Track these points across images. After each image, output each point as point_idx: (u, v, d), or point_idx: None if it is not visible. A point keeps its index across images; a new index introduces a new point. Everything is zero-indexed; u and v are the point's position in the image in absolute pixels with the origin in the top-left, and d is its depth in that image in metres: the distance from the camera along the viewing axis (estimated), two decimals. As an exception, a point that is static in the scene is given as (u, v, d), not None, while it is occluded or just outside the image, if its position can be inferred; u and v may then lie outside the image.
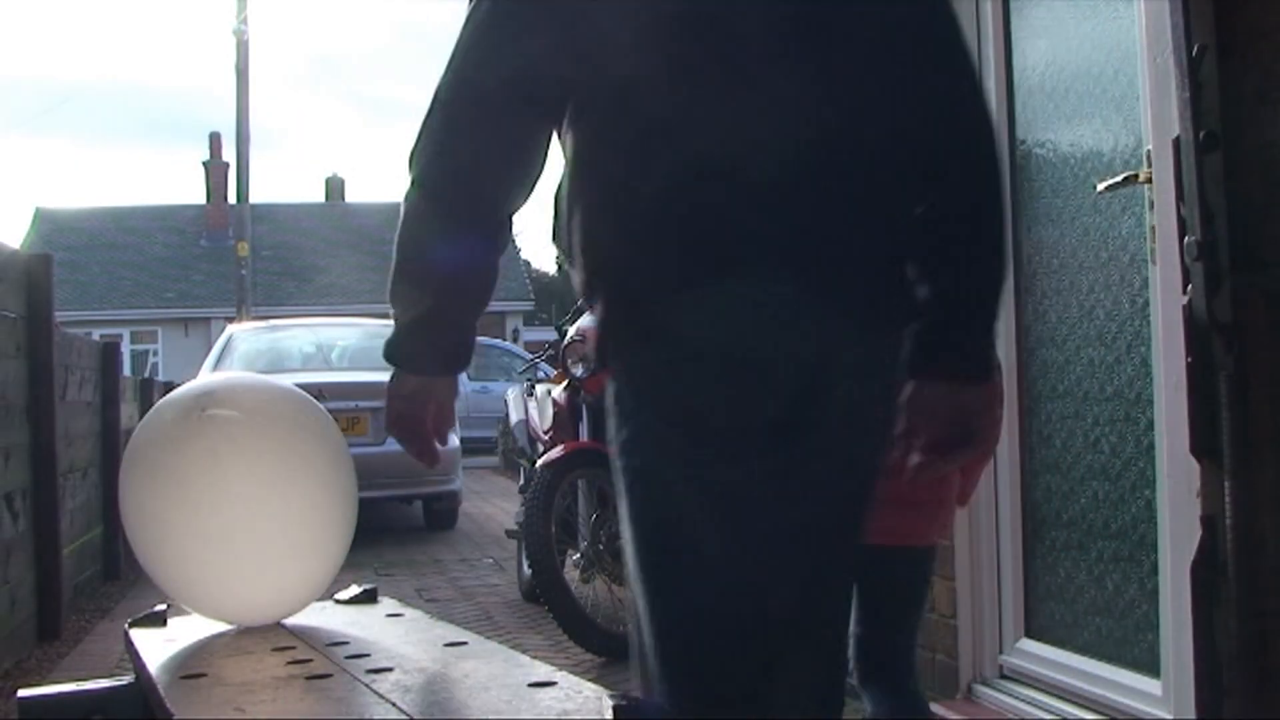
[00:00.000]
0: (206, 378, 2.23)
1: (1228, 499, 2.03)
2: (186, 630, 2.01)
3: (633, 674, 1.46)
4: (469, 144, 1.84)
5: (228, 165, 26.64)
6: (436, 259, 1.91)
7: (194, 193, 49.23)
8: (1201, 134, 2.02)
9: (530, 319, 31.22)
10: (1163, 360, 2.48)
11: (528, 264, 35.73)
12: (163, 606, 2.12)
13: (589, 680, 1.52)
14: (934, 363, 1.62)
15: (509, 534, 6.34)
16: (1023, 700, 3.04)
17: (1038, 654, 3.06)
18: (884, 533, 2.22)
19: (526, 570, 5.42)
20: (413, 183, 1.89)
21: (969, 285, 1.66)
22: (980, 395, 1.66)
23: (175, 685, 1.62)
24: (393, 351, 1.81)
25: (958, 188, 1.68)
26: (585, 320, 5.12)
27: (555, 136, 1.81)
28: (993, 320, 1.66)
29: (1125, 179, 2.59)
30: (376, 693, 1.49)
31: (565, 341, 5.14)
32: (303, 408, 2.05)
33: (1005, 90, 3.19)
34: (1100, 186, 2.66)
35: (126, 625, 2.07)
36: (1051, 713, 2.92)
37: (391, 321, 1.80)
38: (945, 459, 1.64)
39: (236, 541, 1.89)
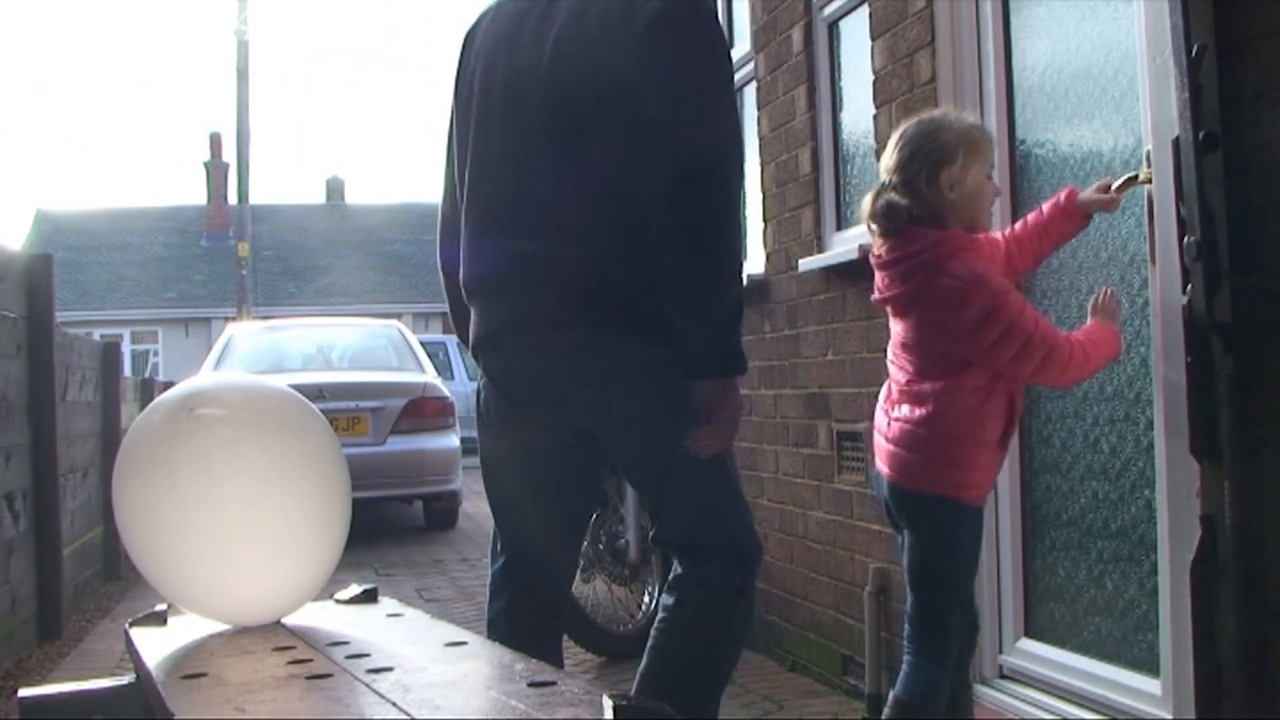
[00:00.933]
0: (195, 378, 2.22)
1: (1227, 499, 2.03)
2: (187, 630, 2.01)
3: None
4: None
5: (228, 165, 26.66)
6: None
7: (194, 193, 49.26)
8: (1201, 134, 2.02)
9: (530, 319, 31.16)
10: (1163, 360, 2.48)
11: (528, 264, 35.68)
12: (163, 606, 2.12)
13: (589, 680, 1.52)
14: (686, 371, 2.23)
15: (509, 534, 6.33)
16: (1022, 700, 3.04)
17: (1037, 654, 3.06)
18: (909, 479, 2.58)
19: (527, 570, 5.40)
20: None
21: (688, 320, 2.20)
22: (715, 386, 2.23)
23: (176, 685, 1.62)
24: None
25: (670, 247, 2.17)
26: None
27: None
28: (718, 338, 2.20)
29: (1127, 180, 2.58)
30: (377, 692, 1.49)
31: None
32: (293, 405, 2.05)
33: (1005, 90, 3.19)
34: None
35: (127, 625, 2.07)
36: (1051, 713, 2.92)
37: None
38: (710, 436, 2.25)
39: (228, 540, 1.89)
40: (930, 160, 2.53)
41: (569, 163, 2.23)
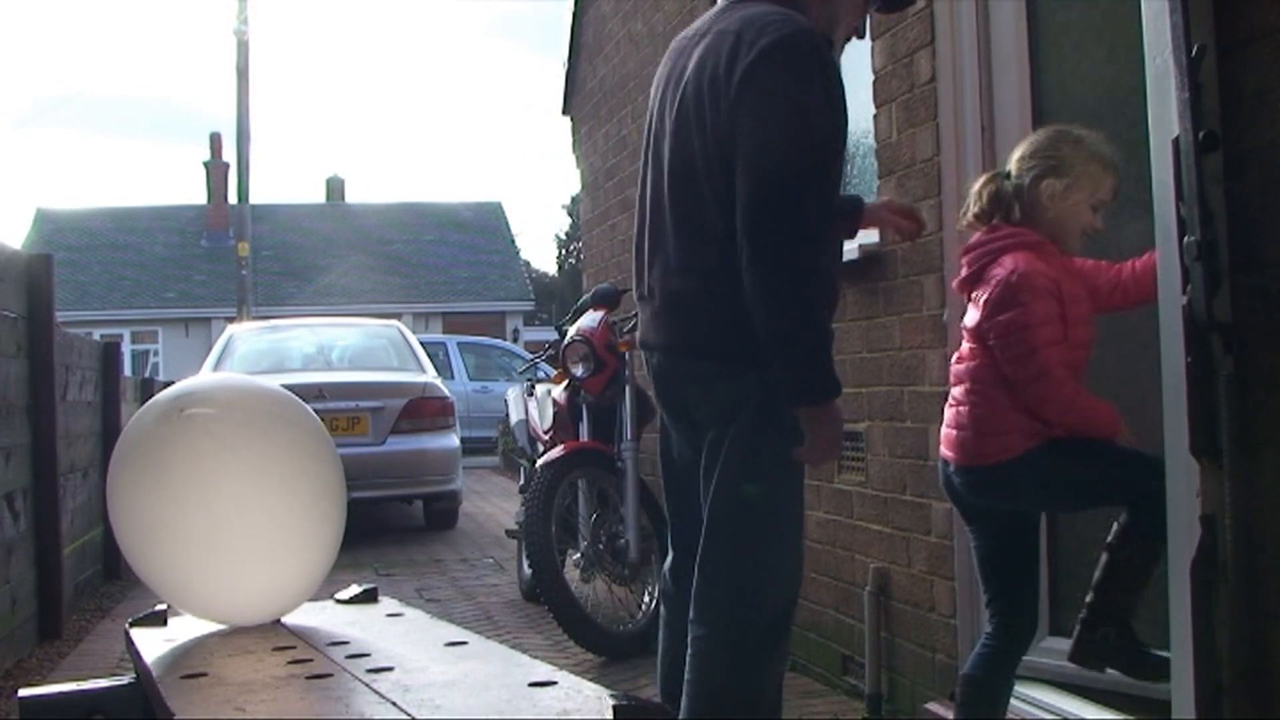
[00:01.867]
0: (187, 379, 2.23)
1: (1227, 498, 2.03)
2: (187, 629, 2.01)
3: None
4: None
5: (228, 165, 26.66)
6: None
7: (195, 193, 49.28)
8: (1201, 134, 2.02)
9: (530, 319, 31.25)
10: (1162, 360, 2.48)
11: (528, 264, 35.76)
12: (163, 606, 2.12)
13: (589, 680, 1.52)
14: (781, 398, 2.36)
15: (509, 534, 6.34)
16: (1020, 699, 3.04)
17: (1056, 648, 3.06)
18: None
19: (527, 570, 5.42)
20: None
21: (770, 352, 2.33)
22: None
23: (176, 684, 1.62)
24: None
25: (749, 282, 2.32)
26: (585, 321, 5.12)
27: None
28: (798, 370, 2.32)
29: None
30: (377, 692, 1.50)
31: (565, 341, 5.15)
32: (285, 404, 2.05)
33: (1029, 92, 3.19)
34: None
35: (127, 624, 2.07)
36: (1052, 712, 2.92)
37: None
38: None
39: (221, 540, 1.89)
40: (1042, 165, 2.61)
41: (681, 204, 2.47)
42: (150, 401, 2.05)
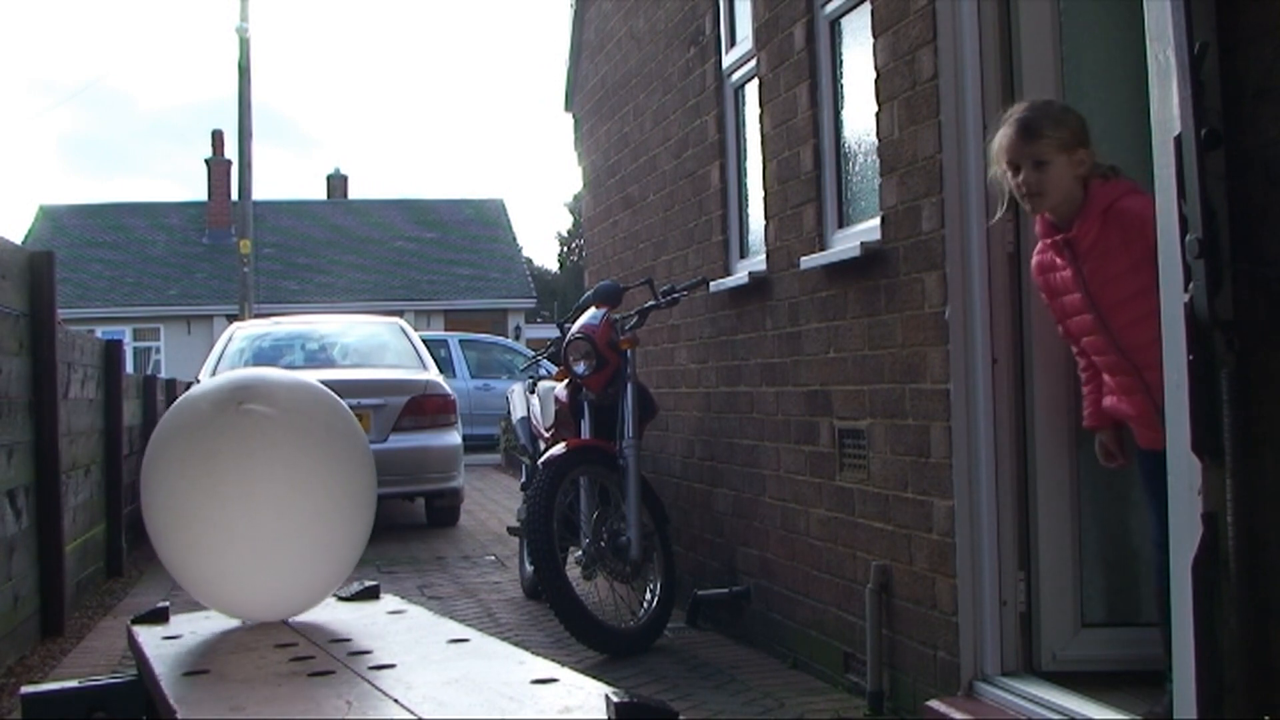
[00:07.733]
0: (242, 371, 2.23)
1: (1229, 496, 2.03)
2: (189, 627, 2.01)
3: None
4: None
5: (230, 162, 26.68)
6: None
7: (196, 190, 49.27)
8: (1203, 132, 2.02)
9: (532, 316, 31.25)
10: (1165, 358, 2.48)
11: (529, 261, 35.75)
12: (165, 603, 2.12)
13: (590, 677, 1.52)
14: None
15: (511, 531, 6.34)
16: (1021, 697, 3.04)
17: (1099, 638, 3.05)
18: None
19: (528, 567, 5.41)
20: None
21: None
22: None
23: (177, 682, 1.62)
24: None
25: None
26: (587, 318, 5.12)
27: None
28: None
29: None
30: (379, 689, 1.50)
31: (567, 339, 5.14)
32: (339, 416, 2.06)
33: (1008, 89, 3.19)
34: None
35: (129, 622, 2.07)
36: (1054, 710, 2.92)
37: None
38: None
39: (253, 536, 1.90)
40: None
41: None
42: (205, 386, 2.06)
